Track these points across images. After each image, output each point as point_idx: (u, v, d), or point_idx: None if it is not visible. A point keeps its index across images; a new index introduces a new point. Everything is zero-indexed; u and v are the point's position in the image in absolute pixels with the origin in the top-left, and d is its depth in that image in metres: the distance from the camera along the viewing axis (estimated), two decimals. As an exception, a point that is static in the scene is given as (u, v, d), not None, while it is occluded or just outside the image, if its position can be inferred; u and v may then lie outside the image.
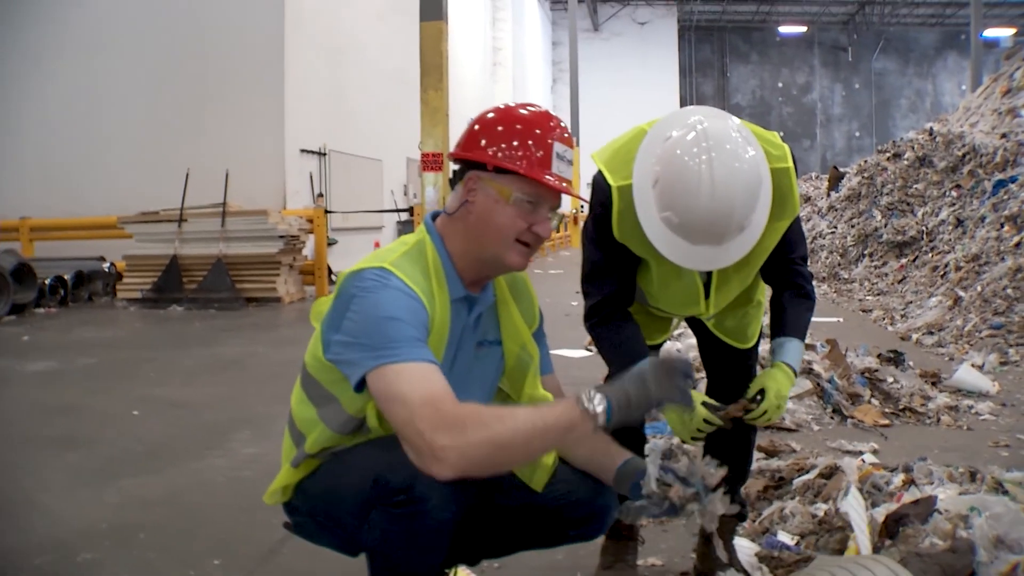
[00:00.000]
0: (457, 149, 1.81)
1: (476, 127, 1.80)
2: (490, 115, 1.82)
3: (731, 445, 2.53)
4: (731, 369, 2.46)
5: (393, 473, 1.61)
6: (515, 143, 1.76)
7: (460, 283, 1.81)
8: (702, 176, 1.85)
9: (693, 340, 2.83)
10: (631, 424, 1.59)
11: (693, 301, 2.29)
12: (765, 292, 2.46)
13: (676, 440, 1.84)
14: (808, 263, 2.40)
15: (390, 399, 1.58)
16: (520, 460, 1.62)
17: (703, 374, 2.64)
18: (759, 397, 2.16)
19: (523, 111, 1.83)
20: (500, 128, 1.78)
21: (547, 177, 1.75)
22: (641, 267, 2.29)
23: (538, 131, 1.78)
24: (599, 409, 1.57)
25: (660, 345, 2.63)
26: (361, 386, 1.63)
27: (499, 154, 1.75)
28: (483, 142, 1.77)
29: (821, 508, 2.79)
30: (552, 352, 2.13)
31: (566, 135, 1.82)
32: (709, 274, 2.24)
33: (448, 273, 1.79)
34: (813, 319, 2.40)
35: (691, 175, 1.86)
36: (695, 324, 2.56)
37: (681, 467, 1.81)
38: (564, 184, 1.77)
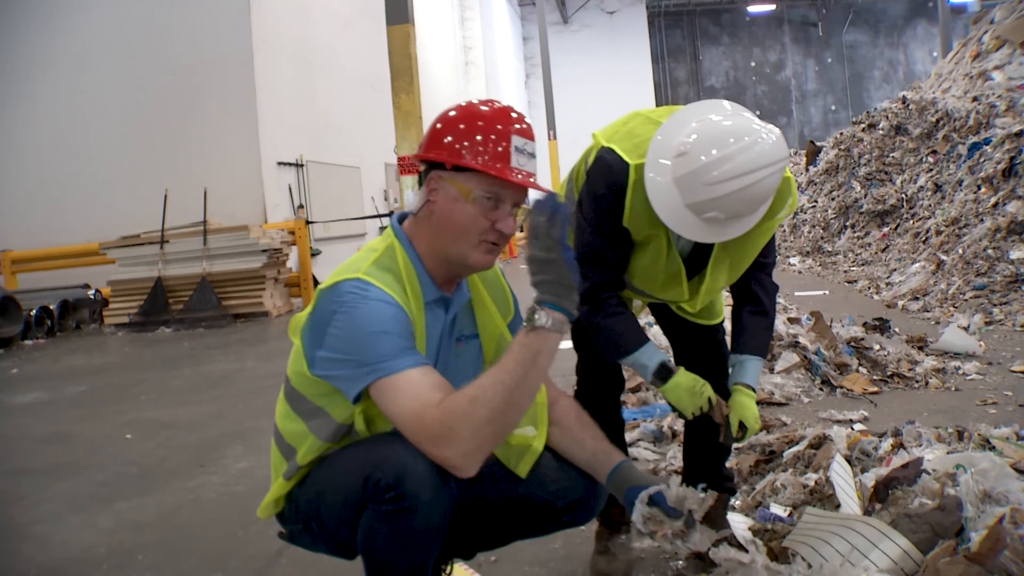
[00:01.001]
0: (420, 150, 1.80)
1: (437, 126, 1.79)
2: (451, 113, 1.80)
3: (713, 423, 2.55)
4: (701, 346, 2.50)
5: (382, 471, 1.62)
6: (476, 138, 1.73)
7: (433, 284, 1.81)
8: (733, 155, 1.93)
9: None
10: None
11: (675, 286, 2.33)
12: None
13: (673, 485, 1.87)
14: (773, 273, 2.44)
15: (390, 417, 1.64)
16: (517, 417, 1.62)
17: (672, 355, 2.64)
18: (741, 430, 2.27)
19: (483, 107, 1.80)
20: (460, 126, 1.75)
21: (508, 172, 1.72)
22: (636, 250, 2.32)
23: (498, 126, 1.75)
24: (545, 316, 1.59)
25: None
26: (358, 398, 1.66)
27: (459, 151, 1.73)
28: (444, 141, 1.75)
29: (812, 478, 2.81)
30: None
31: (526, 127, 1.79)
32: (699, 267, 2.30)
33: (420, 276, 1.78)
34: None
35: (714, 150, 1.94)
36: (656, 308, 2.59)
37: (671, 495, 1.82)
38: (525, 177, 1.75)
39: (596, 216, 2.22)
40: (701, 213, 1.99)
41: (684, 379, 2.23)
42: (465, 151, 1.73)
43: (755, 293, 2.36)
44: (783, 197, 2.18)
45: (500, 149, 1.73)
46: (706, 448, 2.58)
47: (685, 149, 1.98)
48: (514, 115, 1.79)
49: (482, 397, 1.56)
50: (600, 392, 2.54)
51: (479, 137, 1.73)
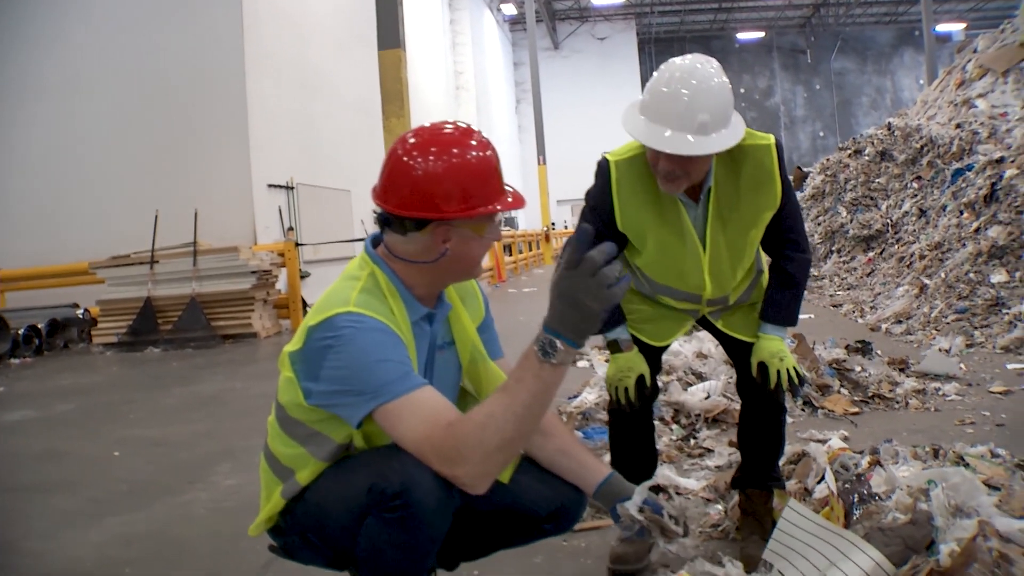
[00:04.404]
0: (407, 206, 1.75)
1: (415, 175, 1.74)
2: (431, 163, 1.74)
3: (763, 428, 2.67)
4: (747, 361, 2.58)
5: (387, 480, 1.65)
6: (477, 186, 1.75)
7: (417, 303, 1.86)
8: (674, 73, 2.24)
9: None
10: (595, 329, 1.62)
11: (694, 265, 2.49)
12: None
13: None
14: (803, 236, 2.58)
15: (397, 439, 1.67)
16: (525, 443, 1.70)
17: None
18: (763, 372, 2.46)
19: (455, 148, 1.77)
20: (453, 178, 1.74)
21: (515, 202, 1.81)
22: (640, 247, 2.51)
23: (479, 159, 1.78)
24: (563, 350, 1.59)
25: (667, 347, 2.71)
26: (361, 424, 1.71)
27: (473, 204, 1.75)
28: (444, 196, 1.73)
29: (793, 486, 2.86)
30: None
31: (493, 149, 1.83)
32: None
33: (405, 297, 1.83)
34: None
35: (667, 75, 2.25)
36: (712, 329, 2.69)
37: (671, 506, 1.88)
38: (516, 195, 1.83)
39: (591, 215, 2.53)
40: (659, 119, 2.21)
41: (623, 360, 2.53)
42: (476, 202, 1.75)
43: (782, 267, 2.54)
44: (766, 174, 2.42)
45: (496, 183, 1.80)
46: (758, 446, 2.70)
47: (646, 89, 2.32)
48: (476, 139, 1.81)
49: (493, 425, 1.60)
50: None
51: (480, 181, 1.76)
